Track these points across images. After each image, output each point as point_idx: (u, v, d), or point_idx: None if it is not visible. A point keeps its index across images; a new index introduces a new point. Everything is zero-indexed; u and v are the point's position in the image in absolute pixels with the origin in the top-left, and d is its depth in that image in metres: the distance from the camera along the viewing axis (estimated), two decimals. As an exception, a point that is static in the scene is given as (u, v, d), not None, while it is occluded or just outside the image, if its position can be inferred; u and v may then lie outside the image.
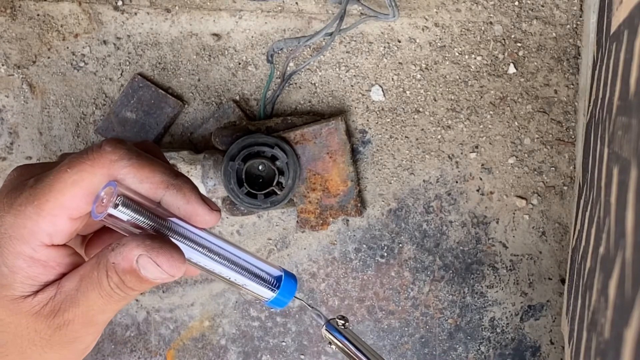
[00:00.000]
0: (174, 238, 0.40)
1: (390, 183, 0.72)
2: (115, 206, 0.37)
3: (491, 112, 0.72)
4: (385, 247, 0.73)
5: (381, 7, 0.70)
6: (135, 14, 0.72)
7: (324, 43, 0.71)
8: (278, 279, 0.44)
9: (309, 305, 0.48)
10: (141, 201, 0.39)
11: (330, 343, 0.46)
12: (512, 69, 0.71)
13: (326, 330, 0.47)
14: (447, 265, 0.73)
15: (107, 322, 0.41)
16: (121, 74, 0.72)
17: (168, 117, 0.72)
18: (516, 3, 0.71)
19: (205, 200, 0.41)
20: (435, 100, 0.72)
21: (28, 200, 0.38)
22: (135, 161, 0.39)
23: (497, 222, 0.72)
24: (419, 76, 0.72)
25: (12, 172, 0.42)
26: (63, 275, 0.40)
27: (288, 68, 0.71)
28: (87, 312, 0.39)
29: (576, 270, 0.62)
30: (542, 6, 0.71)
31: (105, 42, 0.72)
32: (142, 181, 0.39)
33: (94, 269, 0.38)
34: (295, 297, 0.45)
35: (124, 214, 0.38)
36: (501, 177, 0.72)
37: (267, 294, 0.44)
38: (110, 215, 0.38)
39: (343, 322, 0.47)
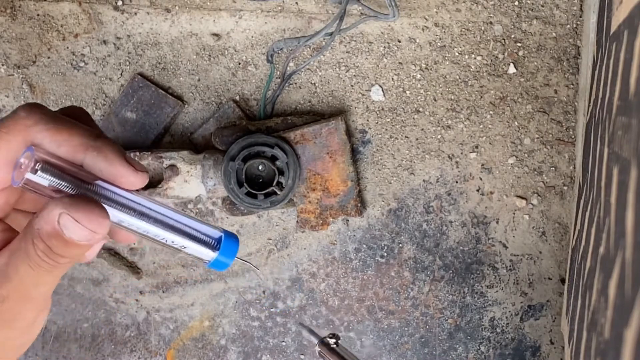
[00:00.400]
0: (102, 202, 0.39)
1: (390, 183, 0.72)
2: (35, 172, 0.36)
3: (491, 112, 0.72)
4: (385, 247, 0.73)
5: (381, 7, 0.70)
6: (135, 14, 0.72)
7: (324, 43, 0.71)
8: (219, 240, 0.42)
9: (253, 265, 0.47)
10: (63, 165, 0.38)
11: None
12: (512, 69, 0.71)
13: (319, 348, 0.47)
14: (447, 265, 0.73)
15: (45, 295, 0.40)
16: (121, 74, 0.72)
17: (168, 117, 0.72)
18: (516, 3, 0.71)
19: (129, 161, 0.39)
20: (435, 100, 0.72)
21: None
22: (52, 125, 0.38)
23: (497, 222, 0.72)
24: (419, 76, 0.72)
25: None
26: None
27: (288, 68, 0.71)
28: (20, 287, 0.38)
29: (576, 270, 0.62)
30: (542, 6, 0.71)
31: (105, 42, 0.72)
32: (60, 145, 0.38)
33: (21, 241, 0.38)
34: (238, 257, 0.44)
35: (44, 179, 0.37)
36: (501, 177, 0.72)
37: (207, 255, 0.42)
38: (31, 181, 0.37)
39: (335, 340, 0.47)
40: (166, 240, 0.41)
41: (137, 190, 0.41)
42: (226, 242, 0.43)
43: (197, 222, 0.42)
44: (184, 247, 0.42)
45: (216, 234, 0.43)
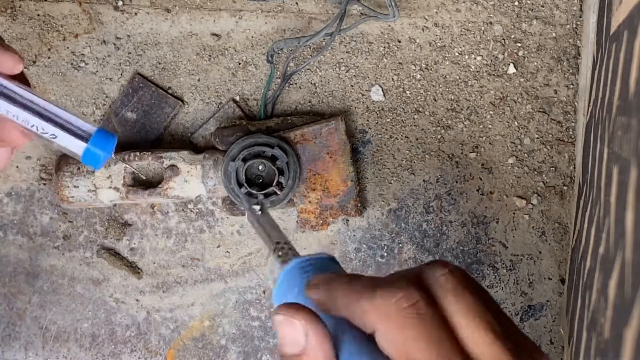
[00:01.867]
0: None
1: (390, 183, 0.72)
2: None
3: (491, 112, 0.72)
4: (385, 247, 0.73)
5: (381, 7, 0.70)
6: (135, 14, 0.72)
7: (324, 43, 0.71)
8: (94, 133, 0.43)
9: (137, 172, 0.48)
10: None
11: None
12: (512, 69, 0.71)
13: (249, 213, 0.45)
14: (447, 265, 0.73)
15: None
16: (121, 74, 0.72)
17: (168, 117, 0.72)
18: (516, 3, 0.71)
19: (4, 46, 0.40)
20: (435, 100, 0.72)
21: None
22: None
23: (497, 222, 0.72)
24: (419, 76, 0.72)
25: None
26: None
27: (288, 68, 0.71)
28: None
29: (576, 270, 0.62)
30: (542, 6, 0.71)
31: (105, 42, 0.72)
32: None
33: None
34: (114, 157, 0.46)
35: None
36: (501, 177, 0.72)
37: (78, 146, 0.42)
38: None
39: (260, 207, 0.46)
40: (36, 128, 0.42)
41: (14, 76, 0.42)
42: (99, 135, 0.43)
43: (73, 116, 0.43)
44: (55, 137, 0.42)
45: (92, 128, 0.43)
